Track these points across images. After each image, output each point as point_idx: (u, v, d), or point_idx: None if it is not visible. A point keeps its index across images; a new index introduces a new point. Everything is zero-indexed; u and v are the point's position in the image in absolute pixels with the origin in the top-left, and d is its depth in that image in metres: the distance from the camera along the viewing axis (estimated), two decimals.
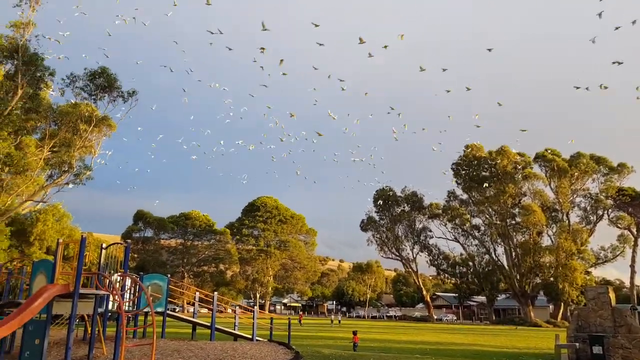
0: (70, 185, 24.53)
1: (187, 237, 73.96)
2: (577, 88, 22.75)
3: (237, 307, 22.33)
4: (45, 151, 23.24)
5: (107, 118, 24.39)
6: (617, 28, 19.51)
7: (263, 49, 20.67)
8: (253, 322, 18.07)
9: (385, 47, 21.14)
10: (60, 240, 11.62)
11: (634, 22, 17.49)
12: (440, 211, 73.05)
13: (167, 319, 17.48)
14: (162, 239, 71.82)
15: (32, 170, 23.64)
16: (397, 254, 76.84)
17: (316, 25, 19.26)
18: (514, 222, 65.55)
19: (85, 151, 25.01)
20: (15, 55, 21.94)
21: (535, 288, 65.68)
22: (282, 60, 21.37)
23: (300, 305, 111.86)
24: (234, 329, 18.76)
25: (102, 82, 23.15)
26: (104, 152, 27.83)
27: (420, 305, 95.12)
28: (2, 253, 30.47)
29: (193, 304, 22.81)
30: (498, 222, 66.41)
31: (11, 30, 23.13)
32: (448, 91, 25.63)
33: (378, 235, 77.57)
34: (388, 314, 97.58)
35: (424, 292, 77.92)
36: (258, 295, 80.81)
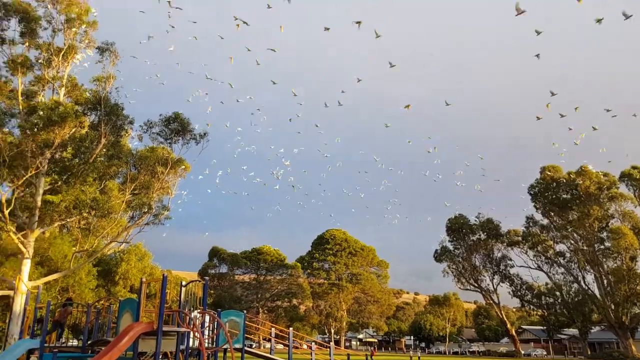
0: (150, 226, 25.68)
1: (260, 272, 74.92)
2: None
3: (313, 343, 21.98)
4: (127, 194, 24.57)
5: (181, 160, 25.50)
6: None
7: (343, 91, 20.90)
8: (330, 359, 17.63)
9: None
10: (144, 279, 12.00)
11: None
12: (519, 238, 69.30)
13: (245, 355, 17.48)
14: (236, 275, 73.24)
15: (115, 213, 25.01)
16: (476, 285, 73.38)
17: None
18: (602, 247, 60.73)
19: (162, 192, 26.17)
20: (98, 107, 23.65)
21: (635, 319, 59.86)
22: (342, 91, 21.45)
23: (376, 340, 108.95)
24: None
25: (176, 126, 24.40)
26: (180, 192, 29.05)
27: (505, 339, 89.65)
28: (90, 292, 32.23)
29: (269, 340, 22.74)
30: (585, 248, 61.80)
31: (94, 84, 25.10)
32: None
33: (454, 266, 74.69)
34: (470, 349, 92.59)
35: (509, 326, 73.41)
36: (333, 331, 79.72)
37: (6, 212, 21.62)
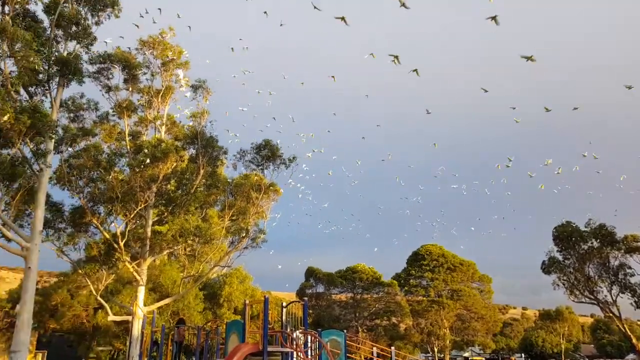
0: (249, 249, 26.78)
1: (356, 290, 74.60)
2: None
3: None
4: (226, 220, 25.91)
5: (273, 184, 26.48)
6: None
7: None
8: None
9: None
10: (247, 302, 12.51)
11: None
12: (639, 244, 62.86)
13: None
14: (333, 294, 73.44)
15: (217, 239, 26.45)
16: (592, 297, 67.31)
17: None
18: None
19: (258, 216, 27.26)
20: (195, 141, 25.35)
21: None
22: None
23: (483, 359, 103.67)
24: None
25: (266, 153, 25.46)
26: (274, 216, 30.04)
27: (631, 356, 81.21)
28: (199, 315, 34.08)
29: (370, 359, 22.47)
30: None
31: (190, 120, 26.98)
32: None
33: (565, 278, 69.14)
34: None
35: (634, 340, 66.36)
36: (436, 349, 77.06)
37: (121, 243, 23.67)
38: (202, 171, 24.74)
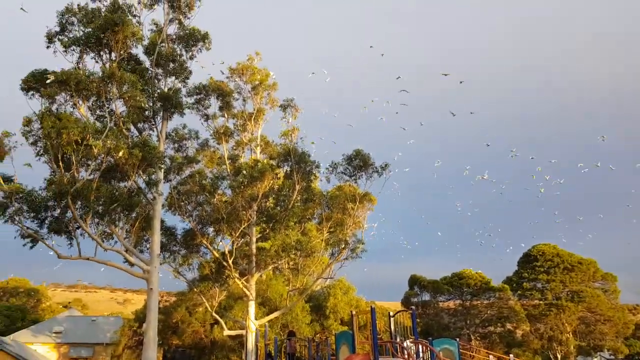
0: (349, 260, 26.86)
1: (465, 297, 71.61)
2: None
3: None
4: (325, 233, 26.28)
5: (367, 194, 26.40)
6: None
7: None
8: None
9: None
10: (354, 312, 12.54)
11: None
12: None
13: None
14: (440, 301, 71.10)
15: (317, 252, 26.87)
16: None
17: None
18: None
19: (355, 227, 27.30)
20: (289, 158, 26.13)
21: None
22: None
23: None
24: None
25: (357, 163, 25.49)
26: (371, 225, 29.91)
27: None
28: (307, 327, 34.76)
29: None
30: None
31: (282, 138, 27.90)
32: None
33: None
34: None
35: None
36: (559, 356, 71.60)
37: (230, 261, 24.92)
38: (297, 187, 25.39)
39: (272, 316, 27.84)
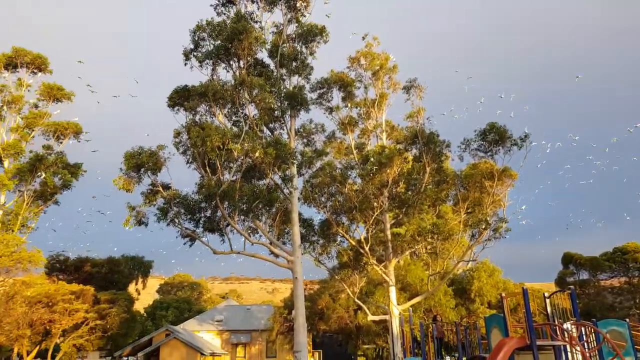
0: (492, 241, 25.55)
1: (631, 273, 64.16)
2: None
3: None
4: (462, 214, 25.31)
5: (506, 169, 24.78)
6: None
7: None
8: None
9: None
10: (504, 295, 11.93)
11: None
12: None
13: None
14: (601, 280, 64.55)
15: (455, 234, 25.99)
16: None
17: None
18: None
19: (495, 206, 25.84)
20: (416, 140, 25.60)
21: None
22: None
23: None
24: None
25: (493, 137, 24.01)
26: (514, 202, 28.15)
27: None
28: (452, 312, 33.97)
29: None
30: None
31: (408, 121, 27.40)
32: None
33: None
34: None
35: None
36: None
37: (367, 248, 25.27)
38: (428, 169, 24.81)
39: (414, 301, 27.68)
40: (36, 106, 35.20)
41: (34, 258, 24.46)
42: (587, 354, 11.11)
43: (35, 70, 35.74)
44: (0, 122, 33.41)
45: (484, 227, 24.99)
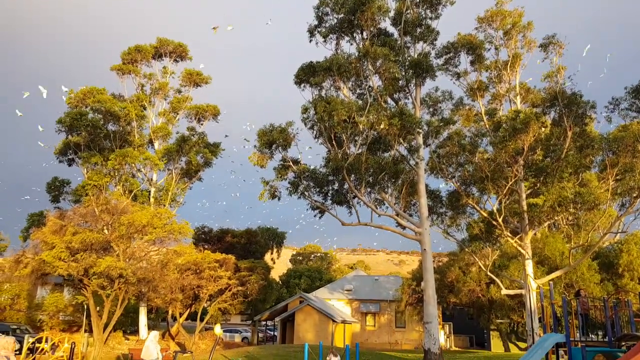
0: None
1: None
2: None
3: None
4: (610, 182, 22.95)
5: None
6: None
7: None
8: None
9: None
10: None
11: None
12: None
13: None
14: None
15: (602, 204, 23.68)
16: None
17: None
18: None
19: None
20: (556, 103, 23.54)
21: None
22: None
23: None
24: None
25: None
26: None
27: None
28: (596, 287, 31.24)
29: None
30: None
31: (546, 82, 25.25)
32: None
33: None
34: None
35: None
36: None
37: (500, 219, 24.17)
38: (569, 133, 22.77)
39: (553, 275, 25.98)
40: (179, 91, 38.72)
41: (183, 229, 27.09)
42: None
43: (177, 59, 39.20)
44: (150, 107, 37.28)
45: (635, 195, 22.45)
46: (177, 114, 37.88)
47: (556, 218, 25.92)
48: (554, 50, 24.39)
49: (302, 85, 23.14)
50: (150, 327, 31.74)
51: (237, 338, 45.70)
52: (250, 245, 42.93)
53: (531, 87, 26.86)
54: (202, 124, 38.11)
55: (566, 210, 23.27)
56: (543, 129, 23.11)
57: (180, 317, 30.44)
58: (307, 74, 22.73)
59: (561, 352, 16.54)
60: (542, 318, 21.37)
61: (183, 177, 36.49)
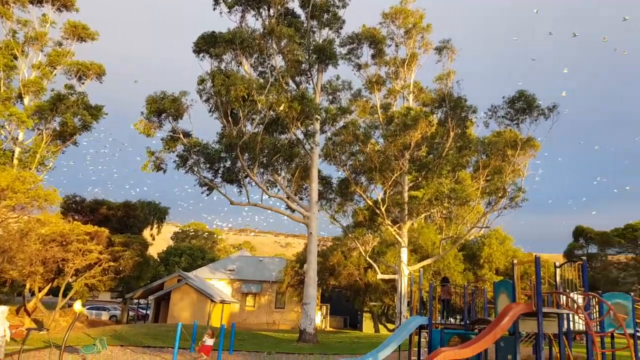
0: (508, 209, 25.66)
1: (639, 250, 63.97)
2: None
3: None
4: (481, 181, 25.34)
5: (530, 139, 24.58)
6: None
7: None
8: None
9: None
10: (515, 262, 12.16)
11: None
12: None
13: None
14: (609, 255, 64.71)
15: (472, 200, 26.10)
16: None
17: None
18: None
19: (514, 175, 25.80)
20: (443, 104, 25.35)
21: None
22: None
23: None
24: None
25: (520, 105, 23.68)
26: (533, 173, 27.99)
27: None
28: (459, 275, 34.52)
29: None
30: None
31: (437, 83, 27.03)
32: None
33: None
34: None
35: None
36: None
37: (383, 209, 25.56)
38: (452, 133, 24.68)
39: (424, 263, 28.17)
40: (60, 44, 34.82)
41: (49, 197, 24.55)
42: (591, 323, 11.39)
43: (61, 8, 35.18)
44: (22, 57, 32.96)
45: (501, 195, 25.04)
46: (55, 68, 33.93)
47: (432, 210, 28.09)
48: (447, 55, 26.16)
49: (202, 55, 22.27)
50: (2, 302, 28.80)
51: (105, 316, 43.02)
52: (128, 219, 40.43)
53: (424, 87, 28.63)
54: (83, 83, 34.62)
55: (441, 204, 25.29)
56: (430, 127, 24.76)
57: (40, 292, 27.94)
58: (208, 44, 21.91)
59: (424, 333, 17.96)
60: (410, 302, 23.10)
61: (55, 139, 32.82)
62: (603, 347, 15.65)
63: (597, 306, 14.18)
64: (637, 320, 16.36)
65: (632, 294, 16.77)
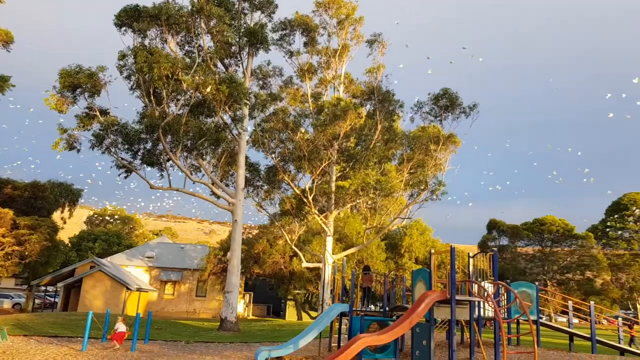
0: (428, 202, 26.68)
1: (545, 243, 69.55)
2: None
3: (620, 319, 19.30)
4: (405, 174, 26.11)
5: (452, 135, 25.62)
6: None
7: None
8: None
9: None
10: (432, 251, 12.60)
11: None
12: None
13: (540, 328, 16.64)
14: (518, 247, 69.72)
15: (396, 192, 26.84)
16: None
17: None
18: None
19: (436, 169, 26.83)
20: (372, 97, 25.76)
21: None
22: None
23: None
24: (619, 343, 16.25)
25: (444, 102, 24.61)
26: (453, 168, 29.25)
27: None
28: (382, 264, 35.57)
29: (564, 313, 20.89)
30: None
31: (367, 76, 27.38)
32: None
33: None
34: None
35: None
36: (639, 306, 68.32)
37: (310, 198, 25.63)
38: (379, 126, 25.16)
39: (348, 252, 28.66)
40: None
41: None
42: (499, 310, 12.09)
43: None
44: None
45: (422, 187, 25.95)
46: None
47: (358, 201, 28.55)
48: (378, 49, 26.55)
49: (124, 29, 20.94)
50: None
51: (7, 304, 39.98)
52: (35, 201, 37.64)
53: (354, 79, 28.92)
54: None
55: (367, 195, 25.78)
56: (359, 119, 25.08)
57: None
58: (131, 18, 20.62)
59: (345, 320, 18.29)
60: (333, 290, 23.44)
61: None
62: (509, 332, 16.80)
63: (505, 294, 15.13)
64: (540, 308, 17.69)
65: (537, 283, 18.07)
